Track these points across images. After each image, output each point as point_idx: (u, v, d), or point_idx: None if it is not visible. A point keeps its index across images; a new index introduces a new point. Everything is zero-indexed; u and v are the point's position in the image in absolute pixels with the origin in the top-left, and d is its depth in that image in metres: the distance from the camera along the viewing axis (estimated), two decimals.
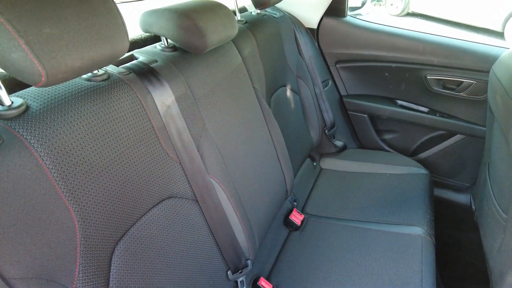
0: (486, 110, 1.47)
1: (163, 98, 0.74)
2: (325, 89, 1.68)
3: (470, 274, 1.49)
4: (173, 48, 0.89)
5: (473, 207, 1.55)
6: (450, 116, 1.57)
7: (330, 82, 1.73)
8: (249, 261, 1.00)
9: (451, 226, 1.71)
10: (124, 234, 0.66)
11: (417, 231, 1.19)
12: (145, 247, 0.70)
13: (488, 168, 1.35)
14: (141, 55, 0.83)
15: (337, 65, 1.72)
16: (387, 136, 1.80)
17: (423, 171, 1.51)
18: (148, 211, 0.72)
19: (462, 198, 1.71)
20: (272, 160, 1.18)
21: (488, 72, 1.39)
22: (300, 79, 1.56)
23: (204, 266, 0.88)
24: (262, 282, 1.08)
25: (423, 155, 1.73)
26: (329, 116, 1.66)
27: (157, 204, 0.74)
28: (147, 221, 0.71)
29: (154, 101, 0.73)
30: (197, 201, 0.85)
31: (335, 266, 1.11)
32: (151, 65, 0.78)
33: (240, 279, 0.98)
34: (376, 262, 1.10)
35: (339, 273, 1.08)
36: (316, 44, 1.69)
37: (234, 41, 1.09)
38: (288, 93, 1.48)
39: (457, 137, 1.59)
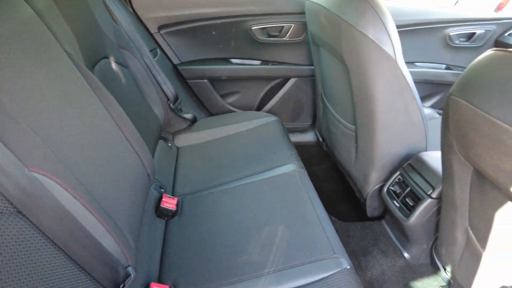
0: (307, 49, 1.61)
1: None
2: (155, 59, 1.48)
3: (336, 196, 1.65)
4: None
5: (320, 139, 1.71)
6: (280, 63, 1.66)
7: (159, 51, 1.55)
8: (130, 269, 0.75)
9: (306, 164, 1.85)
10: None
11: (290, 168, 1.19)
12: None
13: (324, 97, 1.48)
14: None
15: (161, 31, 1.55)
16: (232, 99, 1.77)
17: (273, 118, 1.55)
18: None
19: (308, 136, 1.86)
20: (119, 140, 0.93)
21: (302, 13, 1.51)
22: (124, 50, 1.31)
23: None
24: (154, 287, 0.85)
25: (267, 107, 1.79)
26: (169, 88, 1.48)
27: None
28: None
29: None
30: (19, 212, 0.55)
31: (231, 234, 0.98)
32: None
33: None
34: (268, 211, 1.03)
35: (238, 239, 0.96)
36: (130, 9, 1.46)
37: None
38: (114, 66, 1.21)
39: (291, 81, 1.70)
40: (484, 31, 1.66)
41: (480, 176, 0.68)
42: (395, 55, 0.95)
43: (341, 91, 1.22)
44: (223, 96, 1.74)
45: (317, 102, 1.63)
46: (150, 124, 1.32)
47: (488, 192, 0.67)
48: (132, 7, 1.46)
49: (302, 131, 1.89)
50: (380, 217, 1.36)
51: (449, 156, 0.73)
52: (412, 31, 1.61)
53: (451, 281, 1.00)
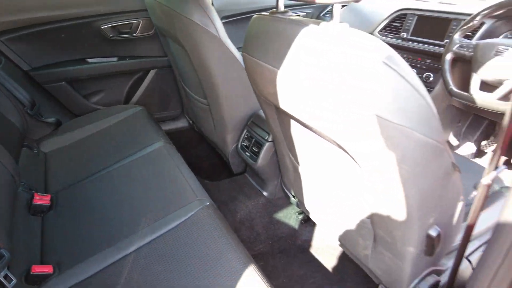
0: (160, 41, 1.77)
1: None
2: (0, 66, 1.44)
3: (216, 168, 1.86)
4: None
5: (190, 122, 1.90)
6: (138, 57, 1.77)
7: (3, 59, 1.49)
8: (2, 250, 0.81)
9: (185, 148, 2.02)
10: None
11: (158, 145, 1.34)
12: None
13: (182, 82, 1.67)
14: None
15: (2, 38, 1.49)
16: (97, 98, 1.81)
17: (139, 108, 1.66)
18: None
19: (181, 123, 2.03)
20: None
21: (146, 10, 1.65)
22: None
23: None
24: (37, 269, 0.91)
25: (133, 100, 1.88)
26: (23, 95, 1.46)
27: None
28: None
29: None
30: None
31: (107, 211, 1.08)
32: None
33: (1, 273, 0.78)
34: (140, 183, 1.16)
35: (114, 212, 1.07)
36: None
37: None
38: None
39: (152, 73, 1.83)
40: (305, 13, 2.08)
41: (277, 109, 0.95)
42: (218, 34, 1.19)
43: (190, 73, 1.42)
44: (86, 96, 1.76)
45: (179, 89, 1.81)
46: (6, 132, 1.30)
47: (282, 118, 0.95)
48: None
49: (174, 119, 2.04)
50: (244, 172, 1.62)
51: (259, 100, 0.99)
52: (248, 18, 1.92)
53: (298, 203, 1.31)
